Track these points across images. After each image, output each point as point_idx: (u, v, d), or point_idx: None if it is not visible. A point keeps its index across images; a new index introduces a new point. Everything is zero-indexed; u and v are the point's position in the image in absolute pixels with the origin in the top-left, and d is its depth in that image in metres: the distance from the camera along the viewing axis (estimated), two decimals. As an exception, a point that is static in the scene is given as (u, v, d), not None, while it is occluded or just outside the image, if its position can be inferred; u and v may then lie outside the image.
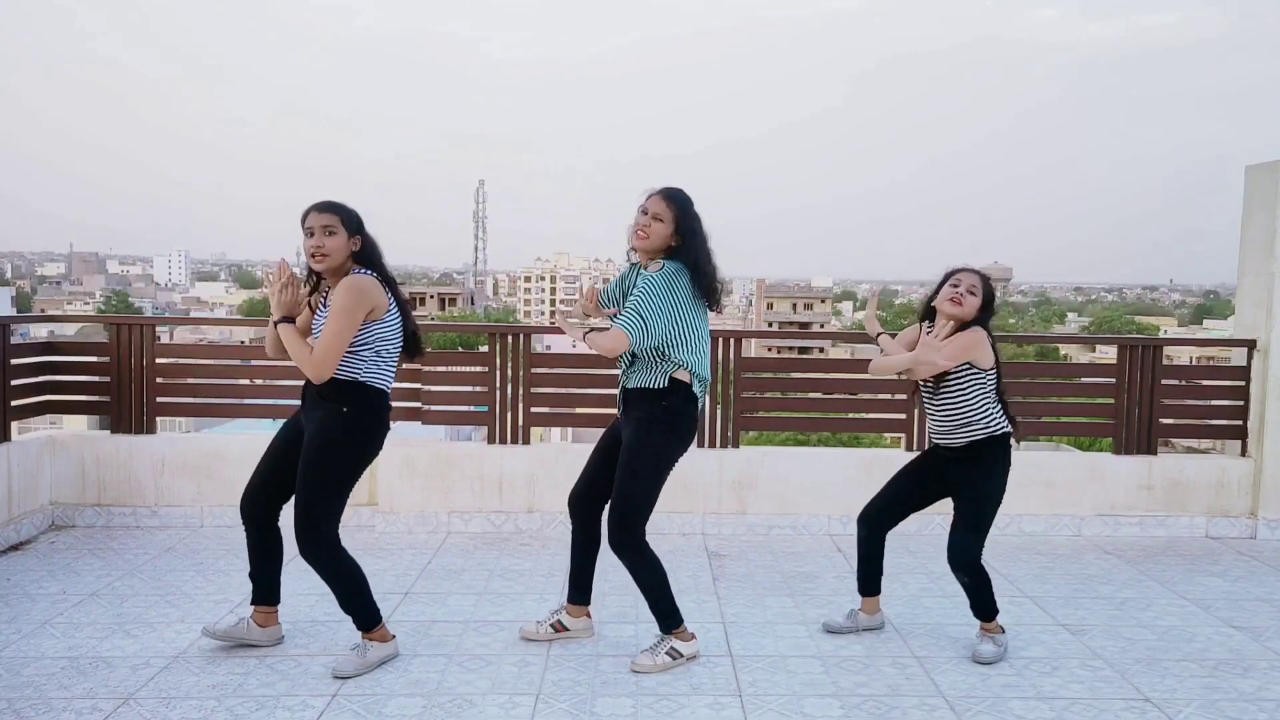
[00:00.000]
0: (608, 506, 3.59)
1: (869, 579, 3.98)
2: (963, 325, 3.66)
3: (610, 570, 4.75)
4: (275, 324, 3.45)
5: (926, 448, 3.96)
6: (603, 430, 3.86)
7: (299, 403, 3.60)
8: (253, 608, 3.72)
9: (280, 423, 3.71)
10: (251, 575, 3.70)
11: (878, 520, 3.94)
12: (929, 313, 3.81)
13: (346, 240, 3.44)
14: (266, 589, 3.71)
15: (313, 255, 3.40)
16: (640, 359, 3.53)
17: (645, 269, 3.47)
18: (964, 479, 3.74)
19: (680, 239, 3.46)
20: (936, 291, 3.75)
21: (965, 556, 3.70)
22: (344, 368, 3.41)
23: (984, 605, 3.77)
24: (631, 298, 3.40)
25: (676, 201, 3.46)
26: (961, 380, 3.65)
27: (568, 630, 3.82)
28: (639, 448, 3.52)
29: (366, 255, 3.48)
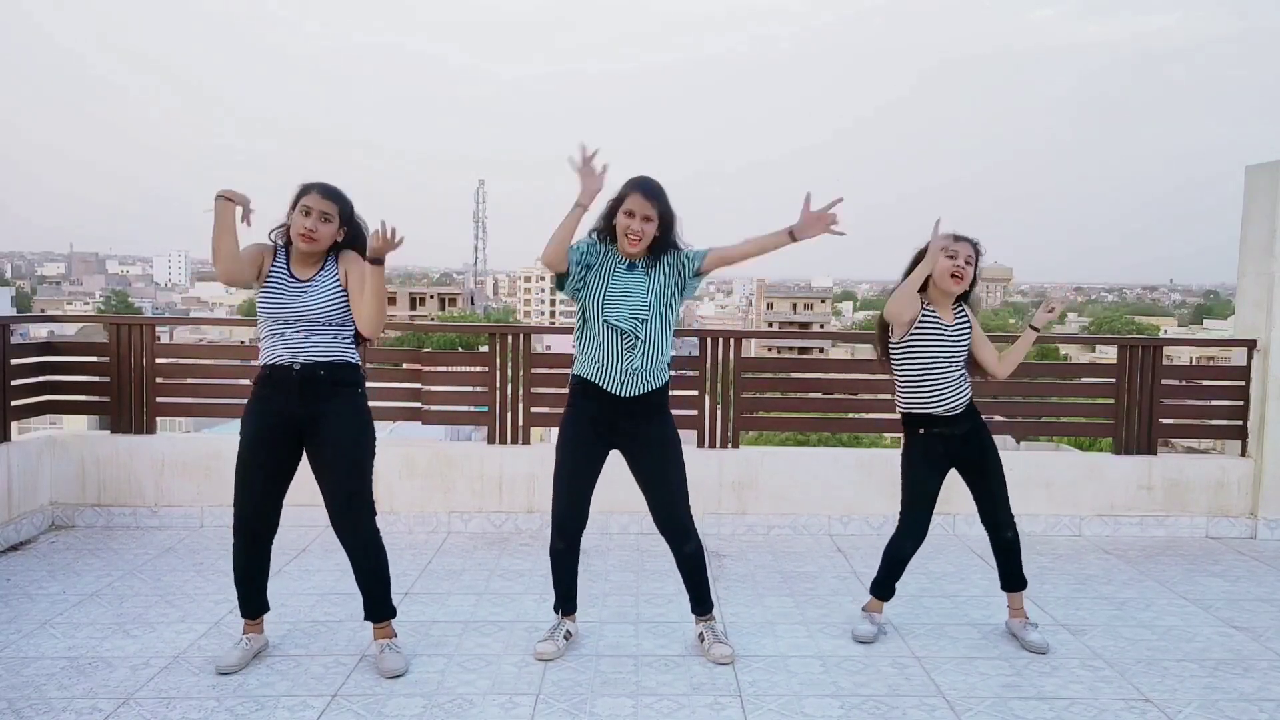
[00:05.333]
0: (670, 514, 3.66)
1: (893, 586, 4.00)
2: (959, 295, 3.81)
3: (611, 570, 4.75)
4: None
5: (925, 442, 3.84)
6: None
7: (254, 402, 3.47)
8: (245, 621, 3.62)
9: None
10: (249, 594, 3.60)
11: (924, 534, 3.92)
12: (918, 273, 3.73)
13: (335, 230, 3.48)
14: (264, 599, 3.66)
15: (303, 235, 3.41)
16: (653, 357, 3.57)
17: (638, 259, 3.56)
18: (978, 452, 3.86)
19: (662, 228, 3.53)
20: (925, 252, 3.69)
21: (1012, 516, 3.92)
22: (345, 349, 3.50)
23: (1021, 565, 3.97)
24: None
25: (659, 197, 3.52)
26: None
27: (573, 636, 3.83)
28: (676, 446, 3.67)
29: (349, 244, 3.53)
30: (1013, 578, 3.97)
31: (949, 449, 3.83)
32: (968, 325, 3.85)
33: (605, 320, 3.49)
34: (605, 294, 3.51)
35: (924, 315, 3.76)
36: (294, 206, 3.47)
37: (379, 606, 3.61)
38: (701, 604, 3.78)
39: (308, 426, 3.45)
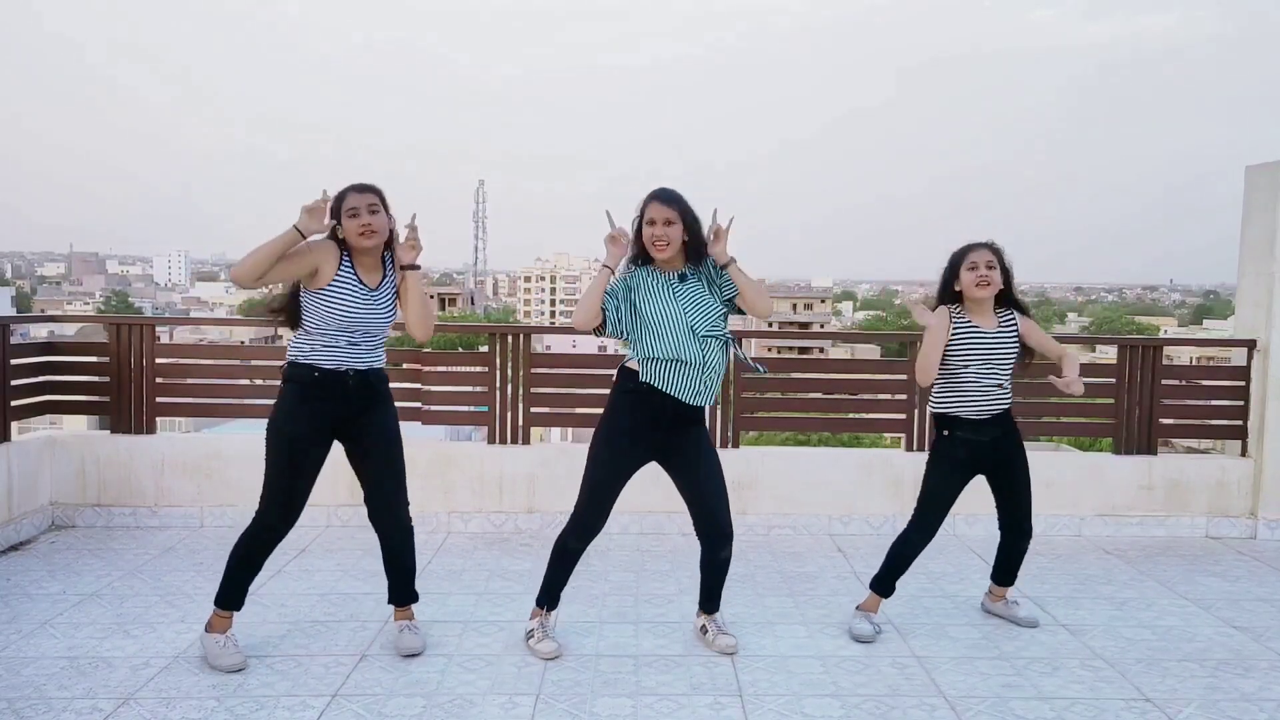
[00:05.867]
0: (717, 521, 3.73)
1: (894, 583, 3.99)
2: (997, 299, 3.81)
3: (611, 570, 4.75)
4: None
5: (949, 445, 3.83)
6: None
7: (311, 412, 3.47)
8: (221, 617, 3.58)
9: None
10: (247, 585, 3.64)
11: (934, 535, 3.93)
12: (951, 297, 3.81)
13: (388, 219, 3.48)
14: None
15: (363, 231, 3.40)
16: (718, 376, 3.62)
17: (670, 270, 3.56)
18: (1010, 458, 3.90)
19: (689, 232, 3.51)
20: (952, 276, 3.78)
21: (1032, 525, 4.02)
22: (383, 352, 3.62)
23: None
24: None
25: (677, 201, 3.51)
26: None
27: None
28: (716, 453, 3.78)
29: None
30: (1011, 574, 4.11)
31: (972, 454, 3.82)
32: (1014, 332, 3.81)
33: (699, 332, 3.48)
34: (672, 305, 3.48)
35: (955, 326, 3.75)
36: (333, 217, 3.41)
37: (406, 590, 3.78)
38: (713, 602, 3.86)
39: (353, 426, 3.56)
